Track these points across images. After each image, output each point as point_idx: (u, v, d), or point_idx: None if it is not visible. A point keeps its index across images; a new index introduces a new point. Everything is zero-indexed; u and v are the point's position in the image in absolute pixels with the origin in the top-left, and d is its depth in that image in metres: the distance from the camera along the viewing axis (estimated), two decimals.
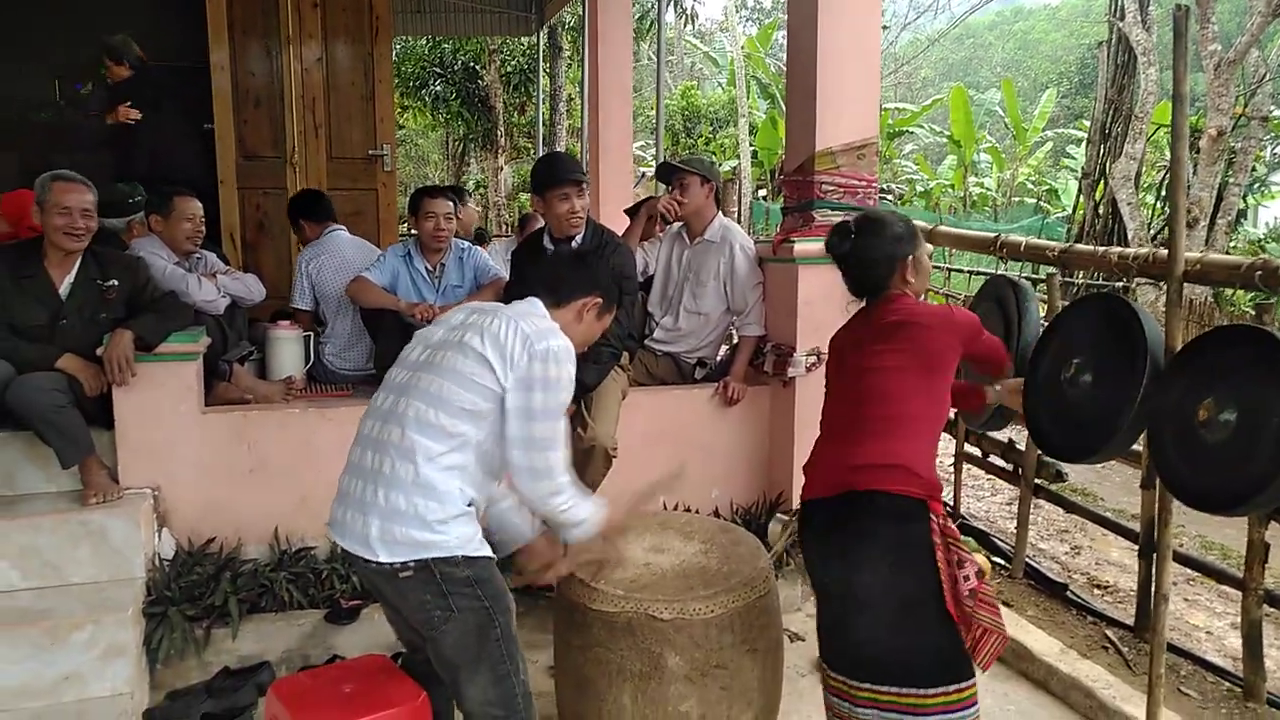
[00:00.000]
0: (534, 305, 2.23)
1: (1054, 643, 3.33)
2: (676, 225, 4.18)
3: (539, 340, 2.07)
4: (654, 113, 7.89)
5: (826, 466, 2.26)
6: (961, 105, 20.11)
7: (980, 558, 3.94)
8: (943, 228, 3.63)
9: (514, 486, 2.14)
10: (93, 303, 3.18)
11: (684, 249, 4.11)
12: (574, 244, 3.65)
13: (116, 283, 3.22)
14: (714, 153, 21.42)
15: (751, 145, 19.75)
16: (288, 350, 3.86)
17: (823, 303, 3.76)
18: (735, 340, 4.22)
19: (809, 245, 3.74)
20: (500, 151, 15.67)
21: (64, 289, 3.16)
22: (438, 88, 15.25)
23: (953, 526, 2.16)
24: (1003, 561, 4.18)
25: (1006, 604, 3.80)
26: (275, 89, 6.02)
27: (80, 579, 2.99)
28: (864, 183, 3.77)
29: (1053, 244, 3.24)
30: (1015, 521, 4.17)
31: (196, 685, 2.91)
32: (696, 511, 3.90)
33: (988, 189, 22.62)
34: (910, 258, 2.29)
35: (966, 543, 4.18)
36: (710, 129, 22.53)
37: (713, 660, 2.40)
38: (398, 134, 20.55)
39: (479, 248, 4.29)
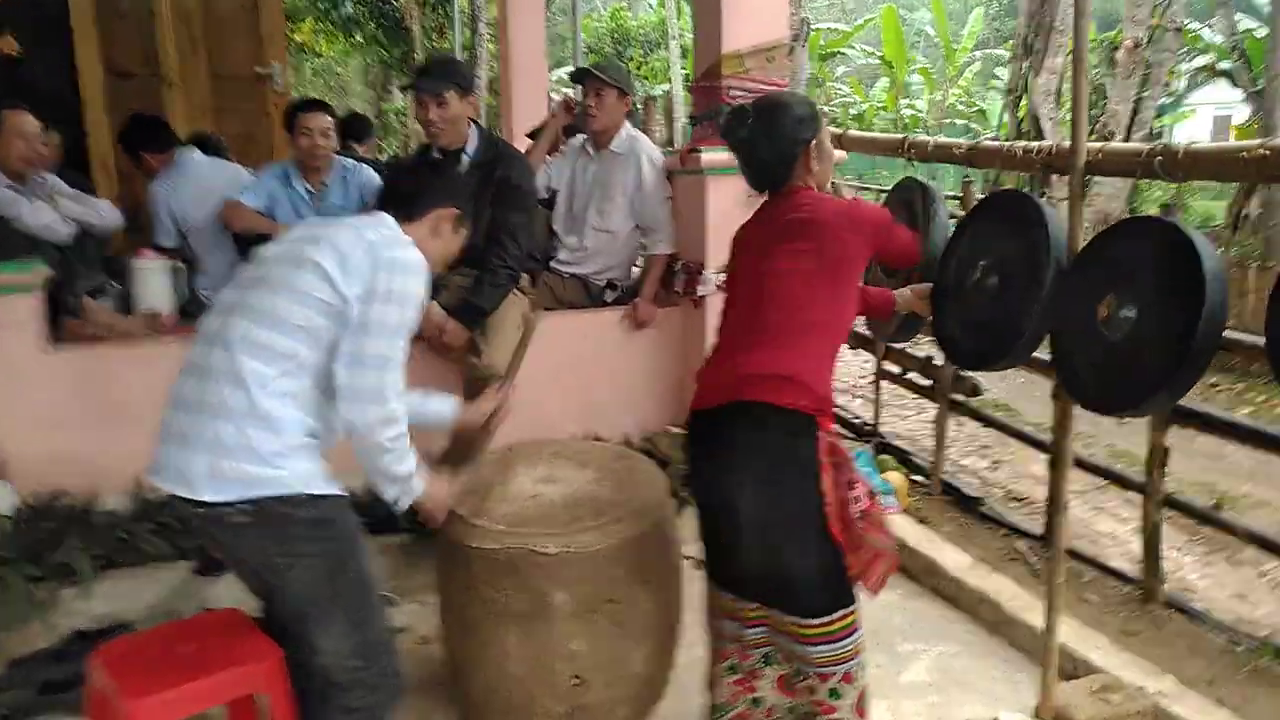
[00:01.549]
0: (381, 218, 2.00)
1: (964, 557, 3.26)
2: (580, 138, 3.91)
3: (386, 248, 1.86)
4: (585, 36, 7.48)
5: (716, 374, 2.10)
6: (893, 25, 19.84)
7: (896, 475, 3.85)
8: (852, 132, 3.45)
9: (340, 419, 1.90)
10: None
11: (589, 162, 3.85)
12: (464, 156, 3.39)
13: None
14: (645, 76, 20.89)
15: (683, 69, 19.23)
16: (153, 282, 3.51)
17: (734, 216, 3.50)
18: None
19: (717, 155, 3.51)
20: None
21: None
22: (349, 8, 14.43)
23: (843, 446, 2.01)
24: (922, 479, 4.11)
25: (922, 520, 3.75)
26: None
27: None
28: (774, 87, 3.54)
29: (959, 141, 3.10)
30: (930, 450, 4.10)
31: (42, 651, 2.66)
32: (609, 441, 3.73)
33: (919, 111, 22.49)
34: (813, 142, 2.09)
35: (884, 460, 4.17)
36: (641, 52, 21.92)
37: (603, 594, 2.24)
38: (315, 61, 19.66)
39: (365, 165, 3.97)
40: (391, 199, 2.12)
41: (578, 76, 3.80)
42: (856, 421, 4.79)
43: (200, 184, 3.79)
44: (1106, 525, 3.87)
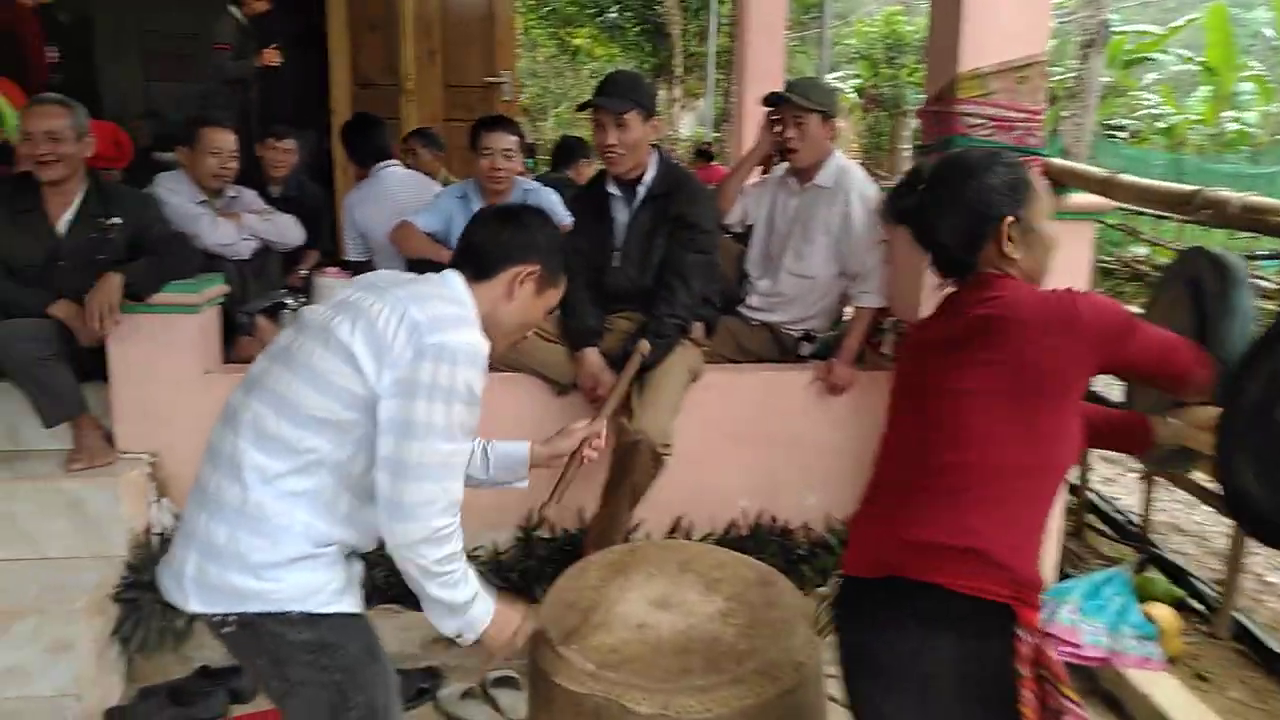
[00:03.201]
0: (445, 282, 1.66)
1: None
2: (781, 168, 3.38)
3: (431, 331, 1.50)
4: (855, 40, 6.89)
5: (870, 534, 1.54)
6: (1220, 26, 17.20)
7: (1165, 612, 2.96)
8: (1123, 177, 2.64)
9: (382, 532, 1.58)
10: (93, 243, 2.85)
11: (789, 197, 3.31)
12: (640, 188, 2.99)
13: (120, 221, 2.87)
14: (918, 84, 19.61)
15: None
16: None
17: None
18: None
19: None
20: (676, 83, 14.85)
21: (62, 226, 2.85)
22: (613, 14, 14.61)
23: (1051, 653, 1.38)
24: (1200, 606, 3.19)
25: (1199, 677, 2.87)
26: (391, 11, 5.62)
27: (58, 553, 2.71)
28: (1024, 115, 2.82)
29: None
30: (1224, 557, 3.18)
31: (164, 685, 2.59)
32: (783, 527, 3.19)
33: (1248, 125, 19.36)
34: (1012, 219, 1.51)
35: (1151, 583, 3.26)
36: (916, 60, 20.64)
37: None
38: (587, 64, 20.23)
39: (550, 189, 3.68)
40: (470, 250, 1.72)
41: (771, 101, 3.25)
42: (1118, 518, 3.88)
43: (393, 200, 3.68)
44: None
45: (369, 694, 1.59)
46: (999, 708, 1.36)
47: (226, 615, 1.51)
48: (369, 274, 1.74)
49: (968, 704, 1.37)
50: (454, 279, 1.66)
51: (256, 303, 3.25)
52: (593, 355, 2.93)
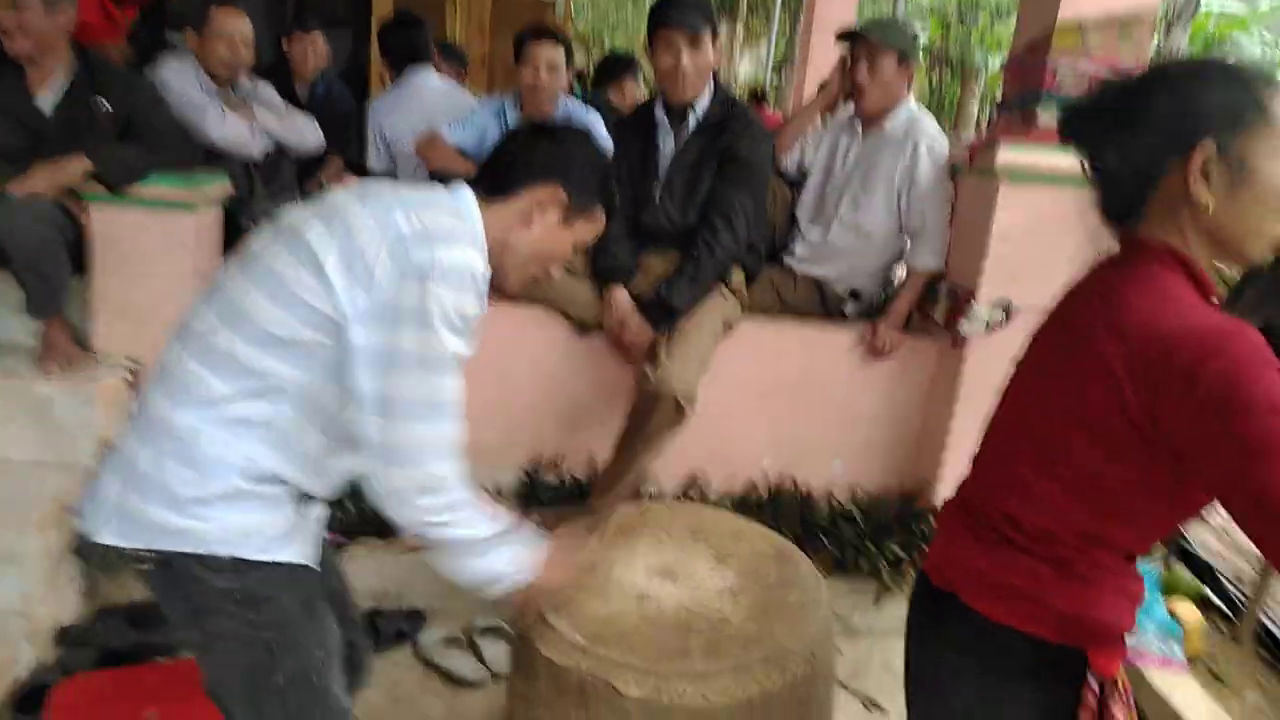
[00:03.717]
0: (451, 194, 1.41)
1: None
2: (848, 110, 3.10)
3: (419, 245, 1.25)
4: None
5: (948, 531, 1.31)
6: None
7: (1189, 610, 2.78)
8: None
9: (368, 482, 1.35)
10: (80, 126, 2.63)
11: (852, 141, 3.04)
12: (691, 115, 2.74)
13: (106, 103, 2.63)
14: (989, 47, 18.78)
15: None
16: None
17: (1026, 239, 2.63)
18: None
19: (1021, 154, 2.59)
20: (737, 21, 14.28)
21: (46, 107, 2.62)
22: None
23: (1119, 712, 1.15)
24: (1222, 606, 2.99)
25: (1216, 678, 2.70)
26: None
27: (20, 456, 2.54)
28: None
29: None
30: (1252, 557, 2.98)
31: (124, 607, 2.43)
32: (805, 494, 2.99)
33: None
34: (1214, 146, 1.03)
35: (1177, 579, 3.05)
36: (990, 19, 19.73)
37: None
38: None
39: (596, 110, 3.42)
40: (493, 166, 1.48)
41: (848, 37, 2.95)
42: None
43: (423, 109, 3.42)
44: None
45: (301, 658, 1.36)
46: None
47: (141, 550, 1.28)
48: (367, 181, 1.49)
49: None
50: (463, 192, 1.42)
51: (264, 207, 3.02)
52: (621, 295, 2.72)
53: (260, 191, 3.08)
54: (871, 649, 2.61)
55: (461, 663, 2.42)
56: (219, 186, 2.83)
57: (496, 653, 2.44)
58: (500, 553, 1.42)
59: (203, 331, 1.30)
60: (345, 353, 1.27)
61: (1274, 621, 2.87)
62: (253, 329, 1.27)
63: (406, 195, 1.34)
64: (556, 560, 1.54)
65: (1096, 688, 1.12)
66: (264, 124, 3.09)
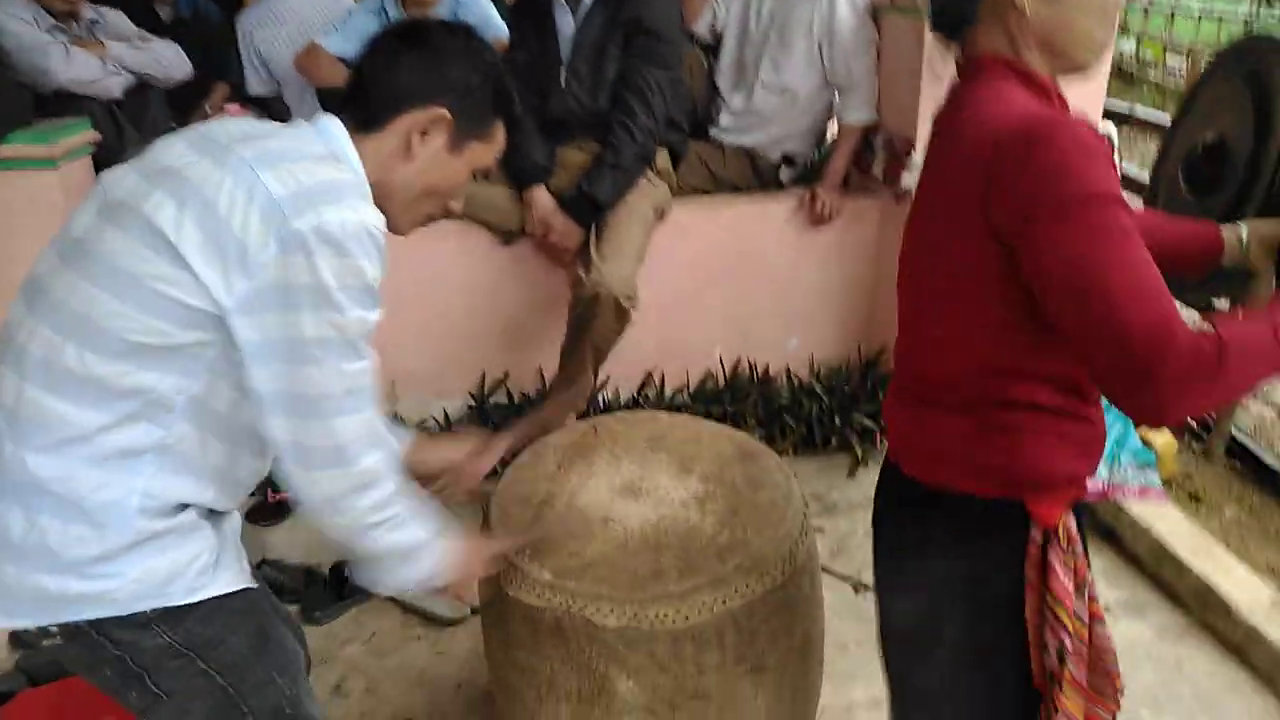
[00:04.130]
0: (317, 133, 1.15)
1: (1262, 590, 2.26)
2: None
3: (298, 210, 1.02)
4: None
5: (885, 403, 1.32)
6: None
7: (1162, 436, 2.80)
8: None
9: (287, 484, 1.16)
10: None
11: None
12: None
13: None
14: None
15: None
16: None
17: None
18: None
19: None
20: None
21: None
22: None
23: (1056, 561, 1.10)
24: (1199, 433, 3.03)
25: (1194, 498, 2.75)
26: None
27: None
28: None
29: None
30: None
31: None
32: (762, 375, 2.92)
33: None
34: None
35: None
36: None
37: (686, 688, 1.52)
38: None
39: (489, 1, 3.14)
40: (358, 87, 1.25)
41: None
42: None
43: (297, 18, 3.11)
44: None
45: (268, 693, 1.21)
46: (997, 608, 1.14)
47: (46, 627, 1.07)
48: (203, 125, 1.20)
49: (957, 602, 1.16)
50: (330, 127, 1.15)
51: (137, 151, 2.72)
52: (542, 195, 2.54)
53: (131, 135, 2.78)
54: (854, 523, 2.59)
55: (436, 602, 2.36)
56: (82, 135, 2.55)
57: (475, 592, 2.37)
58: (431, 551, 1.28)
59: (40, 353, 1.04)
60: (232, 348, 1.06)
61: (1244, 432, 2.91)
62: (108, 340, 1.03)
63: (264, 145, 1.09)
64: (475, 550, 1.42)
65: (1040, 538, 1.10)
66: (118, 57, 2.77)
